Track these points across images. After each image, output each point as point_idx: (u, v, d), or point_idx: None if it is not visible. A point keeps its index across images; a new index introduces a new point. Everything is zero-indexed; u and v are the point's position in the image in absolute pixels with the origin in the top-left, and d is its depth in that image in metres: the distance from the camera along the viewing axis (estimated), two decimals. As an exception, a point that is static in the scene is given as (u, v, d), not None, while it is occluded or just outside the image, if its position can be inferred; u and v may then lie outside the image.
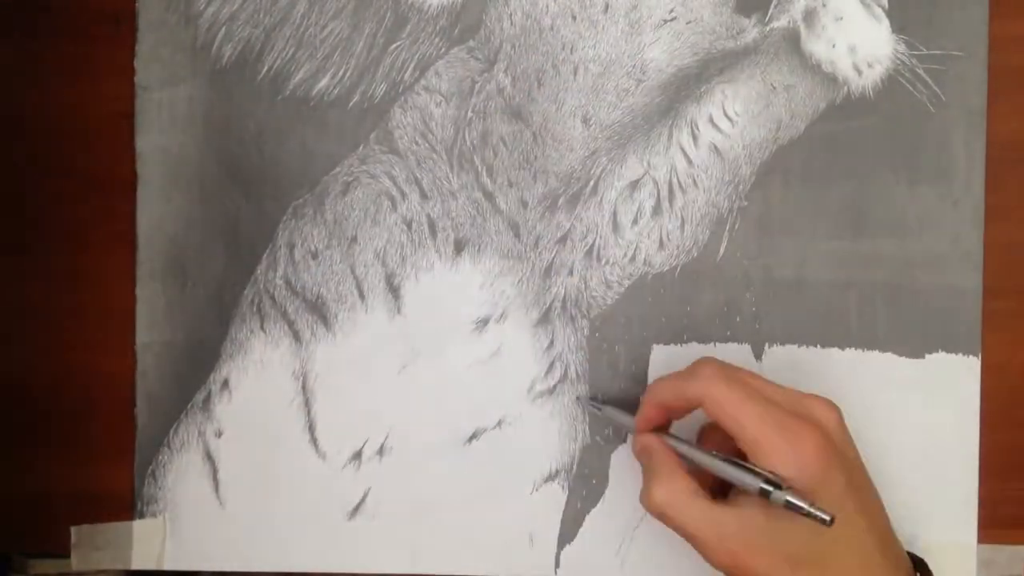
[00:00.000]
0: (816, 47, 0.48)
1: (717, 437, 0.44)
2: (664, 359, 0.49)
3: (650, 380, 0.49)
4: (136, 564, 0.49)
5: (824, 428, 0.41)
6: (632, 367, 0.49)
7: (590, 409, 0.48)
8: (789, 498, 0.39)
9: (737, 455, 0.41)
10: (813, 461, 0.40)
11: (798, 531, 0.40)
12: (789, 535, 0.40)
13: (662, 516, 0.42)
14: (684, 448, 0.43)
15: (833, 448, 0.41)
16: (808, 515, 0.39)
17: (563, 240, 0.49)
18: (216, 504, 0.49)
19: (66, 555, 0.49)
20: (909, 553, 0.44)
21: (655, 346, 0.49)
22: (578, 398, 0.49)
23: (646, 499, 0.42)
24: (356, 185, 0.49)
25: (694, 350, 0.49)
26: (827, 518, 0.38)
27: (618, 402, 0.48)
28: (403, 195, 0.49)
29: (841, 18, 0.48)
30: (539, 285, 0.49)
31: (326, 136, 0.49)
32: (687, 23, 0.48)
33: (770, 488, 0.39)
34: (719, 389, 0.41)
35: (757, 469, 0.40)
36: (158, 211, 0.49)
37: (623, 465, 0.49)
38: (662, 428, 0.45)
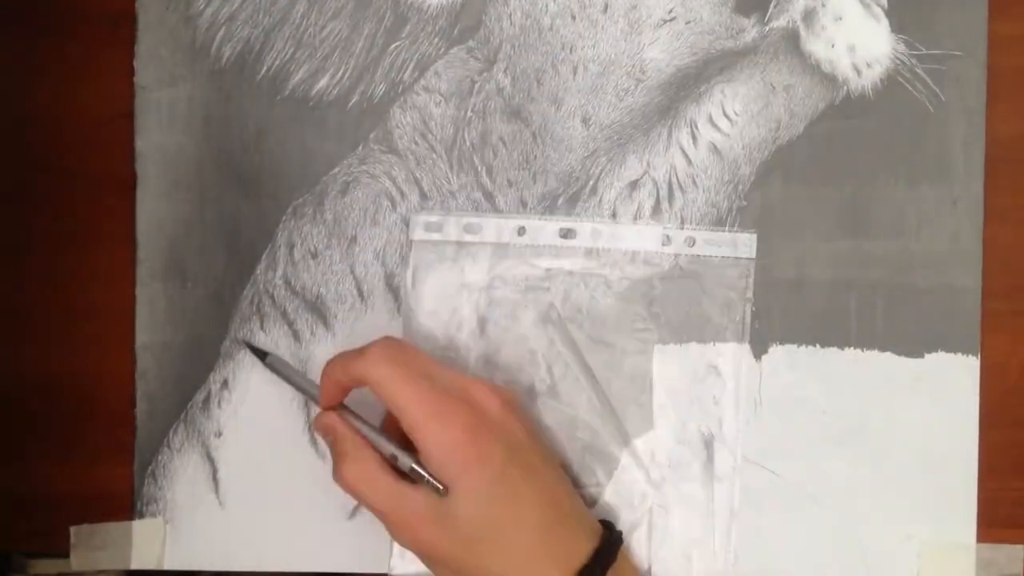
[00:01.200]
0: (815, 47, 0.48)
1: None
2: (666, 360, 0.49)
3: (655, 383, 0.49)
4: (136, 564, 0.49)
5: (480, 409, 0.43)
6: (632, 367, 0.49)
7: (254, 355, 0.49)
8: (412, 465, 0.42)
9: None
10: (462, 440, 0.42)
11: (466, 508, 0.42)
12: (458, 512, 0.42)
13: (355, 493, 0.43)
14: (357, 424, 0.44)
15: (487, 428, 0.42)
16: (427, 483, 0.42)
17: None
18: (216, 504, 0.49)
19: (66, 555, 0.49)
20: (603, 521, 0.45)
21: (657, 346, 0.49)
22: (246, 343, 0.49)
23: (338, 477, 0.43)
24: (356, 185, 0.49)
25: (694, 350, 0.49)
26: (439, 487, 0.42)
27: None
28: (403, 195, 0.49)
29: (840, 18, 0.48)
30: (539, 285, 0.49)
31: (325, 136, 0.49)
32: (686, 23, 0.48)
33: (401, 456, 0.43)
34: (382, 370, 0.42)
35: (387, 444, 0.43)
36: (157, 211, 0.49)
37: (627, 467, 0.49)
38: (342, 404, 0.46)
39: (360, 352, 0.43)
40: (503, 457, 0.42)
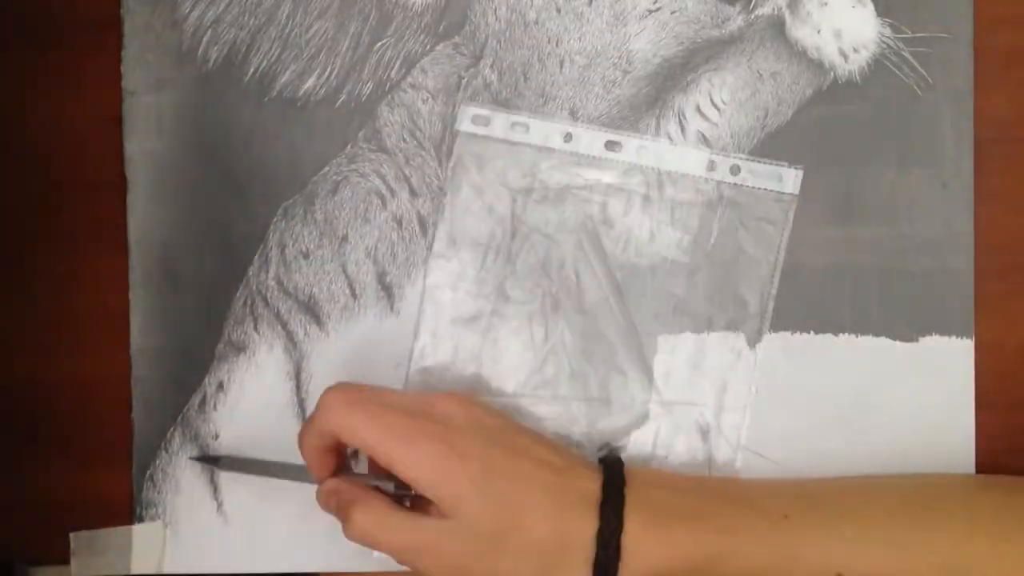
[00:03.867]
0: (801, 33, 0.48)
1: None
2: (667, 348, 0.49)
3: (655, 370, 0.49)
4: (136, 569, 0.49)
5: (445, 418, 0.43)
6: (627, 359, 0.49)
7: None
8: (392, 485, 0.43)
9: None
10: (438, 452, 0.41)
11: (471, 509, 0.41)
12: (468, 516, 0.41)
13: (367, 539, 0.43)
14: (357, 478, 0.45)
15: (458, 432, 0.42)
16: (417, 494, 0.42)
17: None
18: (215, 507, 0.49)
19: (66, 562, 0.49)
20: (603, 457, 0.46)
21: (660, 337, 0.49)
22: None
23: (348, 530, 0.43)
24: (345, 184, 0.49)
25: (688, 340, 0.49)
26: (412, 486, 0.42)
27: None
28: (393, 193, 0.49)
29: (826, 3, 0.48)
30: (531, 279, 0.49)
31: (314, 136, 0.49)
32: (672, 13, 0.48)
33: (381, 482, 0.43)
34: (342, 418, 0.42)
35: (380, 479, 0.44)
36: (148, 215, 0.49)
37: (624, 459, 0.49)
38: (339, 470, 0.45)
39: (316, 409, 0.43)
40: (482, 448, 0.42)
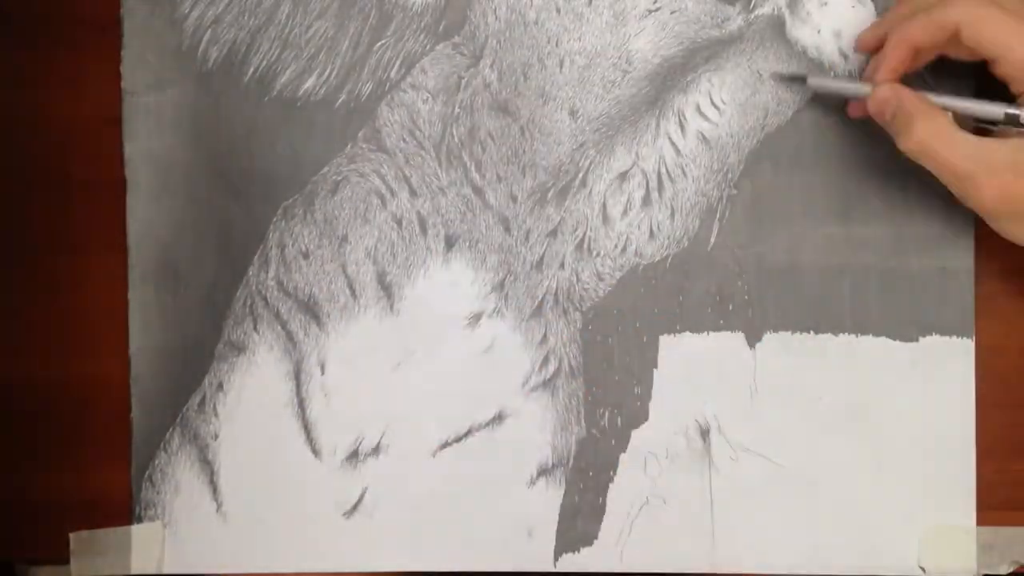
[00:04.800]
0: (801, 33, 0.48)
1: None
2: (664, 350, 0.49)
3: (659, 371, 0.49)
4: (136, 569, 0.49)
5: None
6: (626, 359, 0.49)
7: (788, 83, 0.47)
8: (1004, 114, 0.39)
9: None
10: None
11: None
12: None
13: (925, 153, 0.41)
14: (929, 96, 0.42)
15: None
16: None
17: (553, 233, 0.49)
18: (214, 507, 0.49)
19: (66, 562, 0.49)
20: None
21: (661, 337, 0.49)
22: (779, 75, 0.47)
23: (906, 139, 0.41)
24: (345, 184, 0.49)
25: (688, 340, 0.49)
26: None
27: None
28: (392, 193, 0.49)
29: (826, 3, 0.48)
30: (531, 279, 0.49)
31: (314, 136, 0.49)
32: (671, 12, 0.48)
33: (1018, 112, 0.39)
34: (980, 10, 0.40)
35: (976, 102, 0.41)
36: (148, 215, 0.49)
37: (624, 459, 0.49)
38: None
39: (937, 5, 0.41)
40: None
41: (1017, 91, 0.40)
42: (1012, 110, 0.40)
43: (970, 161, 0.40)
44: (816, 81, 0.46)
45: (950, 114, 0.42)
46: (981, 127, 0.43)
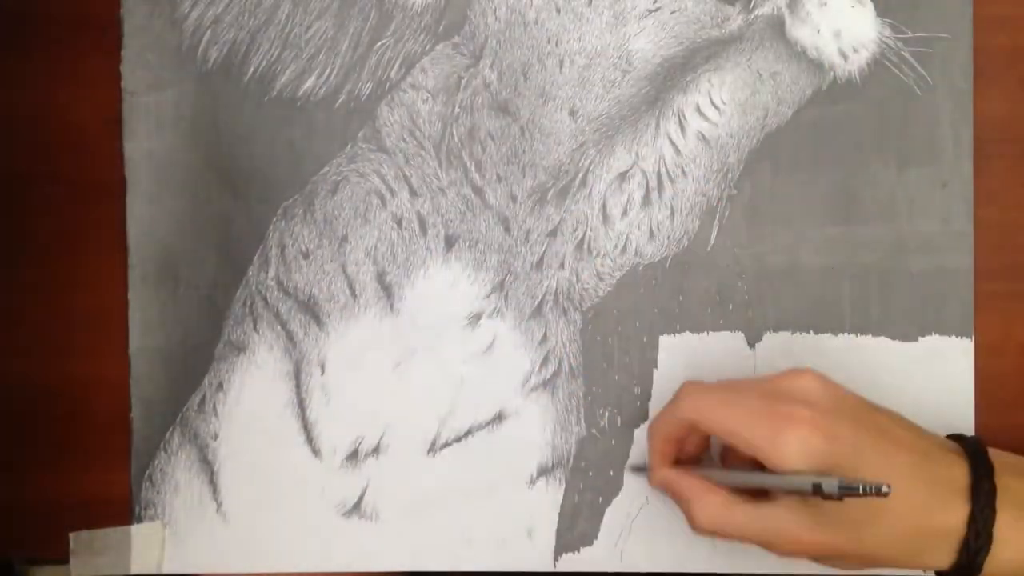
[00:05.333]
0: (801, 33, 0.48)
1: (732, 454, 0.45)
2: (665, 349, 0.49)
3: (659, 371, 0.49)
4: (135, 569, 0.49)
5: (805, 398, 0.41)
6: (626, 359, 0.49)
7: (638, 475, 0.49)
8: (838, 484, 0.38)
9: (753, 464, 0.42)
10: (807, 435, 0.40)
11: (847, 501, 0.39)
12: (840, 508, 0.39)
13: (714, 532, 0.42)
14: (716, 475, 0.43)
15: (822, 412, 0.40)
16: (865, 494, 0.38)
17: (553, 233, 0.49)
18: (214, 507, 0.49)
19: (65, 561, 0.49)
20: (952, 436, 0.44)
21: (661, 337, 0.49)
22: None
23: (691, 521, 0.42)
24: (345, 184, 0.49)
25: (688, 340, 0.49)
26: (885, 489, 0.38)
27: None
28: (392, 193, 0.49)
29: (825, 3, 0.48)
30: (531, 279, 0.49)
31: (314, 136, 0.49)
32: (671, 12, 0.48)
33: (819, 481, 0.39)
34: (702, 402, 0.42)
35: (745, 473, 0.42)
36: (148, 215, 0.49)
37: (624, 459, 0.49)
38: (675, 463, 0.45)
39: (675, 398, 0.43)
40: (851, 430, 0.40)
41: (769, 467, 0.40)
42: (846, 483, 0.39)
43: (757, 528, 0.41)
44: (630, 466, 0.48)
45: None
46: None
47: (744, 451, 0.41)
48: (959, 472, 0.41)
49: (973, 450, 0.42)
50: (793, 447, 0.40)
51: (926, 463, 0.41)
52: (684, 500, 0.43)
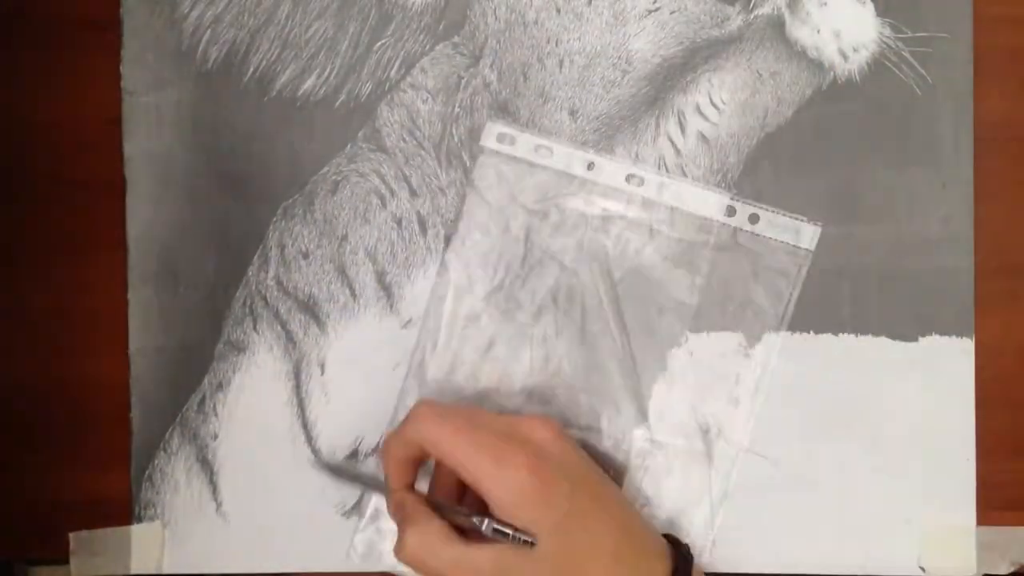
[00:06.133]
0: (801, 33, 0.48)
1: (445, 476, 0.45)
2: (661, 351, 0.49)
3: (659, 371, 0.49)
4: (135, 569, 0.49)
5: (536, 445, 0.42)
6: (627, 359, 0.49)
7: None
8: (495, 526, 0.41)
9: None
10: (527, 481, 0.41)
11: (542, 550, 0.40)
12: (538, 557, 0.40)
13: (415, 563, 0.42)
14: (445, 507, 0.44)
15: (548, 464, 0.41)
16: (513, 539, 0.40)
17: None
18: (214, 507, 0.49)
19: (65, 561, 0.49)
20: (667, 536, 0.45)
21: (662, 337, 0.49)
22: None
23: (399, 550, 0.42)
24: (345, 184, 0.49)
25: (688, 340, 0.49)
26: (530, 540, 0.40)
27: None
28: (392, 193, 0.49)
29: (825, 3, 0.48)
30: (531, 279, 0.49)
31: (314, 136, 0.49)
32: (671, 12, 0.48)
33: (478, 520, 0.41)
34: (432, 428, 0.42)
35: (461, 509, 0.42)
36: (148, 215, 0.49)
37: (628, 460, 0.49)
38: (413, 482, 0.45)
39: (407, 419, 0.43)
40: (569, 490, 0.41)
41: (487, 502, 0.41)
42: (500, 527, 0.41)
43: (456, 569, 0.41)
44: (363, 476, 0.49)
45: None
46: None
47: (468, 483, 0.41)
48: (661, 568, 0.42)
49: (681, 561, 0.43)
50: (509, 485, 0.41)
51: (631, 544, 0.43)
52: (403, 522, 0.42)
